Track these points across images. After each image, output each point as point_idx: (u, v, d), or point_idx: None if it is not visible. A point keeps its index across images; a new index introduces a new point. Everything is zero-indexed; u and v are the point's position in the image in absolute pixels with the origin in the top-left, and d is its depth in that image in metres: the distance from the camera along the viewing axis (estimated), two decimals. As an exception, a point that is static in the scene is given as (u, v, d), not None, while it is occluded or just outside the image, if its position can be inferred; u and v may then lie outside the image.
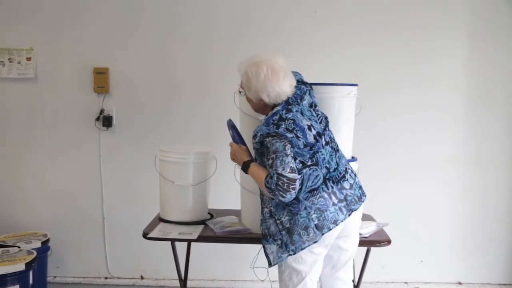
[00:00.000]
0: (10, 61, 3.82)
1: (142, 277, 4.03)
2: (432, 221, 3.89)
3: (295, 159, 2.20)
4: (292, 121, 2.22)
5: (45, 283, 3.72)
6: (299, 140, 2.19)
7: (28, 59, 3.81)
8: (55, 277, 4.00)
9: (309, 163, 2.22)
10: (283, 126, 2.19)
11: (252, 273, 3.96)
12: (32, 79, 3.84)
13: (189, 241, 2.87)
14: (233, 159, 2.49)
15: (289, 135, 2.18)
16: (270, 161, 2.18)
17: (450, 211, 3.90)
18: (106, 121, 3.83)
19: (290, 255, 2.26)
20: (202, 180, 2.94)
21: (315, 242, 2.23)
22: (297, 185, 2.16)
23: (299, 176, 2.17)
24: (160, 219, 2.96)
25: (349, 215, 2.28)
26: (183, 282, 3.13)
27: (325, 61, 3.71)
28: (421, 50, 3.74)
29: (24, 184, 3.95)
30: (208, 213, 3.06)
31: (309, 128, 2.25)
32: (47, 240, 3.66)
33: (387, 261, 3.84)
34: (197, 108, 3.83)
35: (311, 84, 2.50)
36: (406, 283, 3.95)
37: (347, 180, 2.32)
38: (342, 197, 2.27)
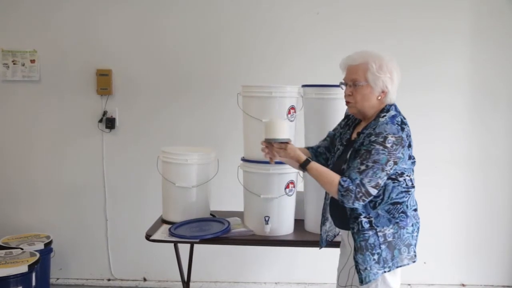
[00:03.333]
0: (14, 63, 3.83)
1: (145, 279, 4.03)
2: (434, 222, 3.88)
3: (402, 174, 2.12)
4: (409, 129, 2.15)
5: (48, 285, 3.72)
6: (410, 150, 2.13)
7: (32, 61, 3.82)
8: (58, 278, 4.00)
9: (414, 184, 2.20)
10: (406, 130, 2.11)
11: (255, 275, 3.98)
12: (36, 81, 3.85)
13: (192, 243, 2.87)
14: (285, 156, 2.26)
15: (405, 143, 2.08)
16: (363, 167, 2.04)
17: (452, 212, 3.89)
18: (109, 122, 3.84)
19: (385, 272, 2.12)
20: (204, 182, 2.94)
21: (414, 262, 2.17)
22: (368, 200, 2.07)
23: (376, 193, 2.07)
24: (163, 221, 2.96)
25: None
26: (186, 284, 3.12)
27: (327, 62, 3.70)
28: (423, 50, 3.74)
29: (27, 186, 3.95)
30: (211, 214, 3.06)
31: None
32: (50, 242, 3.67)
33: (390, 263, 3.83)
34: (200, 110, 3.83)
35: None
36: (409, 285, 3.94)
37: None
38: None
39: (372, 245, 2.10)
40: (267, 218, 2.71)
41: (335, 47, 3.73)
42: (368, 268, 2.09)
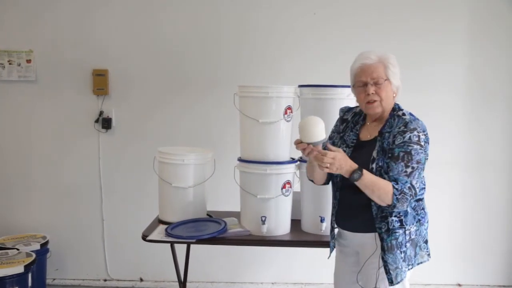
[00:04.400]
0: (10, 63, 3.82)
1: (141, 279, 4.02)
2: (432, 222, 3.86)
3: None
4: None
5: (44, 286, 3.70)
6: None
7: (28, 61, 3.81)
8: (54, 279, 3.99)
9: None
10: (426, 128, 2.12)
11: (251, 275, 3.98)
12: (32, 81, 3.84)
13: (189, 243, 2.87)
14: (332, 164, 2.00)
15: (429, 139, 2.12)
16: (409, 170, 2.02)
17: (450, 212, 3.90)
18: (106, 123, 3.83)
19: (409, 269, 2.12)
20: (201, 182, 2.94)
21: (429, 258, 2.19)
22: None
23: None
24: (160, 221, 2.96)
25: None
26: (182, 284, 3.13)
27: (326, 62, 3.72)
28: (421, 51, 3.74)
29: (23, 186, 3.94)
30: (207, 214, 3.06)
31: None
32: (46, 242, 3.66)
33: (387, 263, 3.83)
34: (196, 110, 3.83)
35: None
36: (405, 285, 3.94)
37: None
38: None
39: (400, 243, 2.08)
40: (263, 218, 2.71)
41: (334, 48, 3.74)
42: (399, 267, 2.07)
